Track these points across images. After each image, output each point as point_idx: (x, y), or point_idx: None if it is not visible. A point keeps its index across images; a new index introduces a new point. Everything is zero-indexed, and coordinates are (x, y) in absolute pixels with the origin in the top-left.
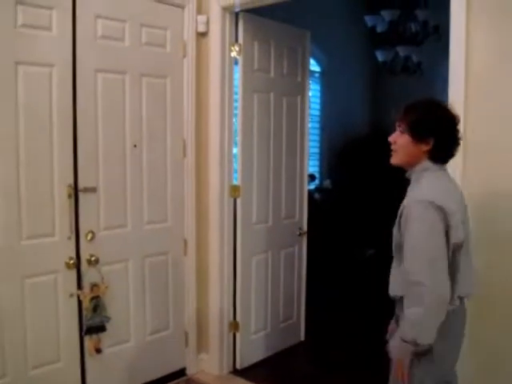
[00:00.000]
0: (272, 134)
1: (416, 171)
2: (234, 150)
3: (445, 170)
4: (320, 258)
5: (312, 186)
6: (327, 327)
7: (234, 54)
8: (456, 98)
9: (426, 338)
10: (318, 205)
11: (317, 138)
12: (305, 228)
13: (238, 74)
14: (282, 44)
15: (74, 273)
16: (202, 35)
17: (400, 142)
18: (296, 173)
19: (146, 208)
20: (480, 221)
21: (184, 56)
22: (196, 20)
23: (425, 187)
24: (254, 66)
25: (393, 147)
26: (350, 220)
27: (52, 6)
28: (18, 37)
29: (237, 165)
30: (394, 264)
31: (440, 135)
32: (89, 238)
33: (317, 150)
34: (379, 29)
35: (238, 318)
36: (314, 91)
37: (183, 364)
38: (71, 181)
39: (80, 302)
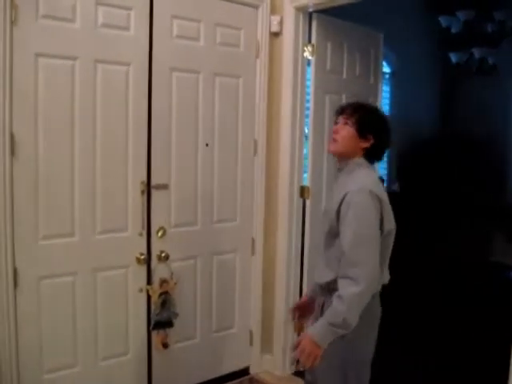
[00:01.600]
0: None
1: (350, 164)
2: (304, 151)
3: (373, 168)
4: None
5: None
6: (388, 334)
7: (306, 54)
8: None
9: (355, 319)
10: None
11: None
12: None
13: (310, 74)
14: (355, 45)
15: (144, 268)
16: (275, 35)
17: (343, 133)
18: None
19: (216, 206)
20: None
21: (257, 56)
22: (269, 20)
23: (362, 179)
24: (326, 66)
25: (334, 136)
26: (418, 224)
27: (130, 6)
28: (98, 36)
29: (307, 166)
30: (324, 250)
31: (379, 135)
32: (160, 234)
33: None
34: (454, 29)
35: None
36: (383, 92)
37: (247, 363)
38: (144, 178)
39: (149, 297)
